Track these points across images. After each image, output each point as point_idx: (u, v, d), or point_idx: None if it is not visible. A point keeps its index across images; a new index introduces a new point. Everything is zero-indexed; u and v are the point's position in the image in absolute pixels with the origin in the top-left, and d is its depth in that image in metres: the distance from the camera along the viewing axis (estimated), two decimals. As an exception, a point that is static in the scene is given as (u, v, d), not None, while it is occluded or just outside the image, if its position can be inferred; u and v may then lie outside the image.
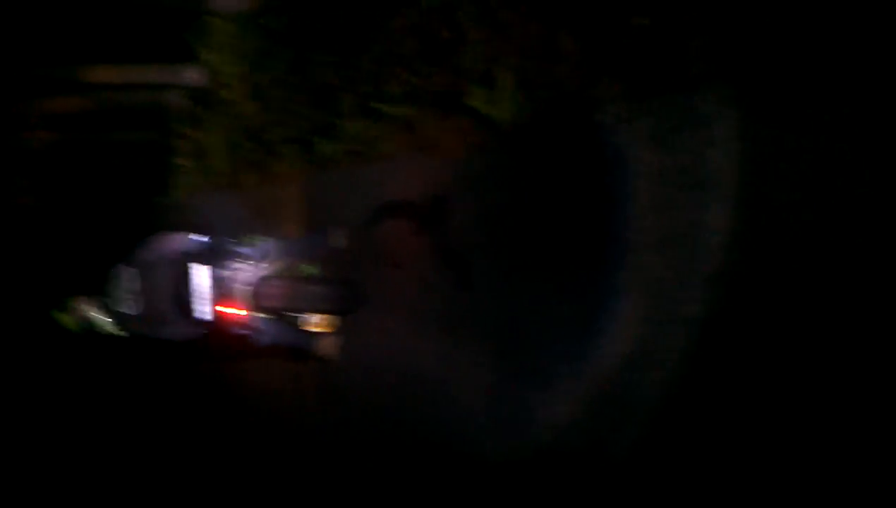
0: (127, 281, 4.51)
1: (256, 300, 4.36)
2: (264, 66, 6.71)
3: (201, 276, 4.28)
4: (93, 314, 4.63)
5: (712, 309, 3.07)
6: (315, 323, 4.53)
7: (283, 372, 6.27)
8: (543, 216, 3.91)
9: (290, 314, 4.53)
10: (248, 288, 4.36)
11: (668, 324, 3.25)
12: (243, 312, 4.34)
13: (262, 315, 4.46)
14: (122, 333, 4.64)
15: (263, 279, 4.42)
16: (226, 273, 4.38)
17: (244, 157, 7.27)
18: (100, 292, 4.64)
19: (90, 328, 4.68)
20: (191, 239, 4.74)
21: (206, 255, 4.49)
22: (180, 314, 4.41)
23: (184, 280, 4.36)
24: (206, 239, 4.75)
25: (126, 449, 7.49)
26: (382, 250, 5.09)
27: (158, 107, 9.19)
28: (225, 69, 7.14)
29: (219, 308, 4.32)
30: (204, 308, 4.28)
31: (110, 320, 4.61)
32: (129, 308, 4.50)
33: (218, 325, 4.36)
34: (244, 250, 4.59)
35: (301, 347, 5.09)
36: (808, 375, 2.77)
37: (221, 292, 4.33)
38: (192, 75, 8.00)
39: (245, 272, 4.42)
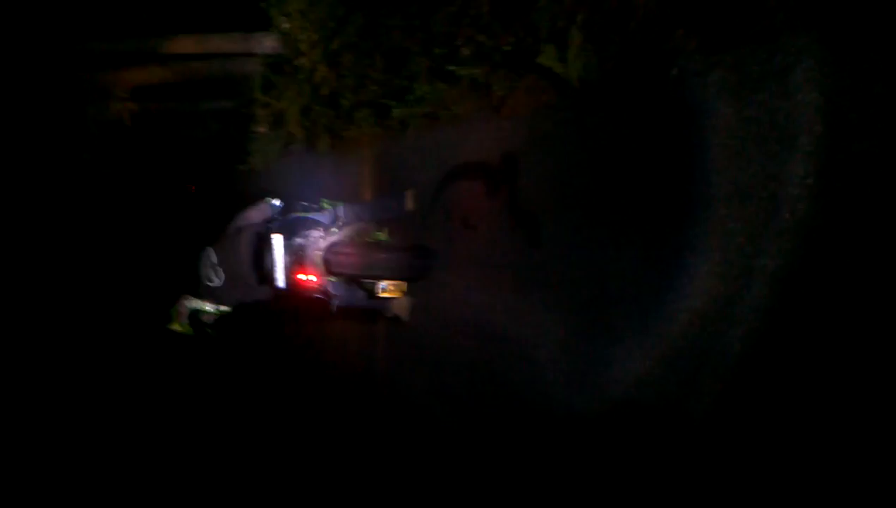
0: (211, 256, 4.67)
1: (328, 266, 4.46)
2: (337, 32, 6.77)
3: (276, 243, 4.39)
4: (193, 304, 4.75)
5: (790, 263, 3.02)
6: (385, 288, 4.63)
7: (359, 333, 6.40)
8: (616, 173, 3.88)
9: (361, 279, 4.64)
10: (321, 253, 4.47)
11: (744, 279, 3.22)
12: (316, 278, 4.46)
13: (334, 279, 4.60)
14: (220, 312, 4.77)
15: (335, 245, 4.54)
16: (299, 239, 4.50)
17: (319, 123, 7.38)
18: (194, 278, 4.79)
19: (196, 319, 4.80)
20: (266, 207, 4.94)
21: (280, 222, 4.65)
22: (258, 280, 4.60)
23: (260, 247, 4.52)
24: (280, 205, 4.89)
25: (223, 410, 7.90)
26: (455, 211, 5.13)
27: (237, 77, 9.35)
28: (300, 36, 7.22)
29: (294, 274, 4.44)
30: (279, 274, 4.40)
31: (211, 302, 4.74)
32: (213, 281, 4.67)
33: (293, 290, 4.47)
34: (318, 216, 4.77)
35: (374, 309, 5.26)
36: (890, 328, 2.71)
37: (296, 258, 4.45)
38: (268, 44, 8.11)
39: (318, 238, 4.54)
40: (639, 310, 3.75)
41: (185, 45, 8.59)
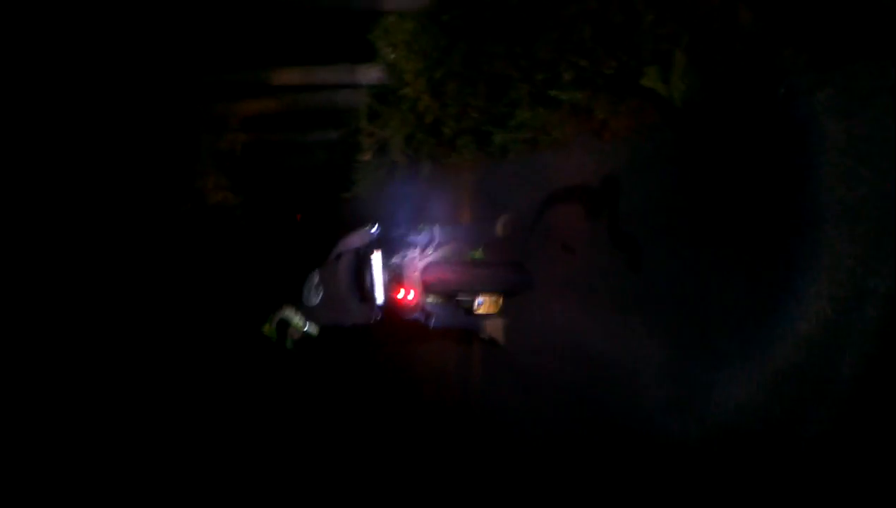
0: (314, 278, 4.83)
1: (425, 283, 4.53)
2: (441, 61, 6.88)
3: (376, 264, 4.49)
4: (290, 316, 4.90)
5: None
6: (482, 303, 4.66)
7: (455, 355, 6.43)
8: (720, 193, 3.82)
9: (457, 296, 4.70)
10: (418, 271, 4.54)
11: (854, 302, 3.11)
12: (414, 295, 4.52)
13: (431, 298, 4.68)
14: (314, 328, 4.90)
15: (432, 263, 4.60)
16: (397, 259, 4.60)
17: (422, 150, 7.49)
18: (297, 296, 4.95)
19: (283, 327, 4.95)
20: (366, 232, 5.01)
21: (380, 245, 4.70)
22: (358, 300, 4.69)
23: (360, 267, 4.63)
24: (379, 230, 5.01)
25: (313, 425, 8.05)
26: (554, 234, 5.12)
27: (343, 108, 9.59)
28: (404, 66, 7.37)
29: (393, 292, 4.52)
30: (379, 291, 4.49)
31: (304, 318, 4.88)
32: (312, 300, 4.81)
33: (392, 309, 4.55)
34: (415, 237, 4.84)
35: (470, 330, 5.28)
36: None
37: (394, 276, 4.55)
38: (373, 75, 8.30)
39: (415, 257, 4.62)
40: (743, 334, 3.66)
41: (292, 76, 8.87)
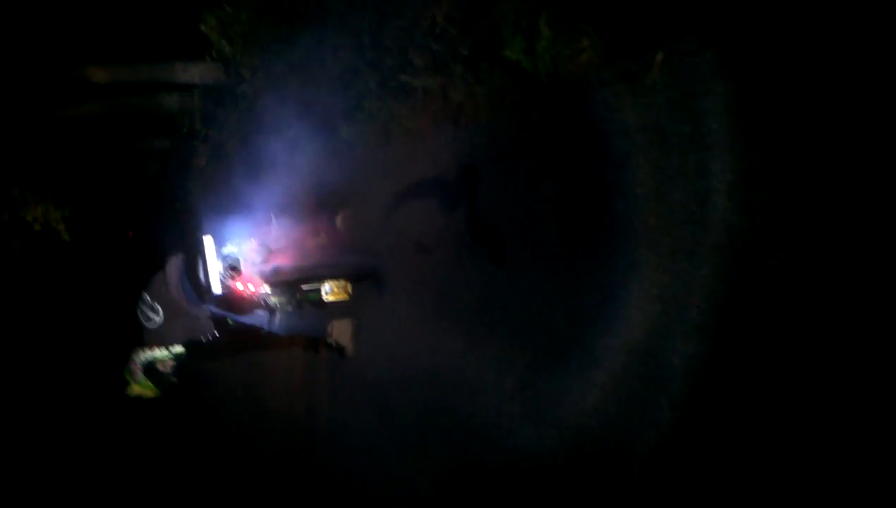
0: (145, 298, 4.14)
1: (266, 273, 4.18)
2: (281, 54, 6.30)
3: (208, 246, 4.04)
4: (144, 357, 4.16)
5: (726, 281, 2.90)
6: (330, 291, 4.29)
7: (300, 365, 5.80)
8: (571, 184, 3.56)
9: (301, 286, 4.29)
10: (258, 262, 4.22)
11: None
12: (254, 286, 4.13)
13: (272, 293, 4.26)
14: (178, 347, 4.19)
15: (272, 251, 4.29)
16: (234, 248, 4.21)
17: (263, 150, 6.86)
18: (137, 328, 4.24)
19: (154, 372, 4.23)
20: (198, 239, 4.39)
21: (214, 243, 4.23)
22: (198, 297, 4.11)
23: (192, 264, 4.13)
24: (209, 232, 4.38)
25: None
26: (407, 232, 4.65)
27: (174, 111, 8.78)
28: (241, 61, 6.73)
29: (231, 284, 4.08)
30: (214, 283, 4.03)
31: (155, 349, 4.17)
32: (153, 319, 4.11)
33: (231, 303, 4.03)
34: (254, 229, 4.44)
35: (315, 336, 4.67)
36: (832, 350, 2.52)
37: (232, 268, 4.13)
38: (207, 73, 7.58)
39: (254, 247, 4.27)
40: (587, 337, 3.47)
41: (118, 74, 7.97)
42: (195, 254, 4.00)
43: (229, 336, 4.42)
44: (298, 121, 6.23)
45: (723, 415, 2.91)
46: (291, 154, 6.27)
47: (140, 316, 4.14)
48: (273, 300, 4.22)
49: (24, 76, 8.19)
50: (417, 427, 4.52)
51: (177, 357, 4.18)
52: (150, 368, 4.17)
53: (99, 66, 7.94)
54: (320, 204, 5.62)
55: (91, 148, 10.06)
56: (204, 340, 4.23)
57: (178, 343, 4.18)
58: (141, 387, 4.15)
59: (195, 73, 7.73)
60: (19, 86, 8.32)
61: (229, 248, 4.11)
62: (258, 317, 4.31)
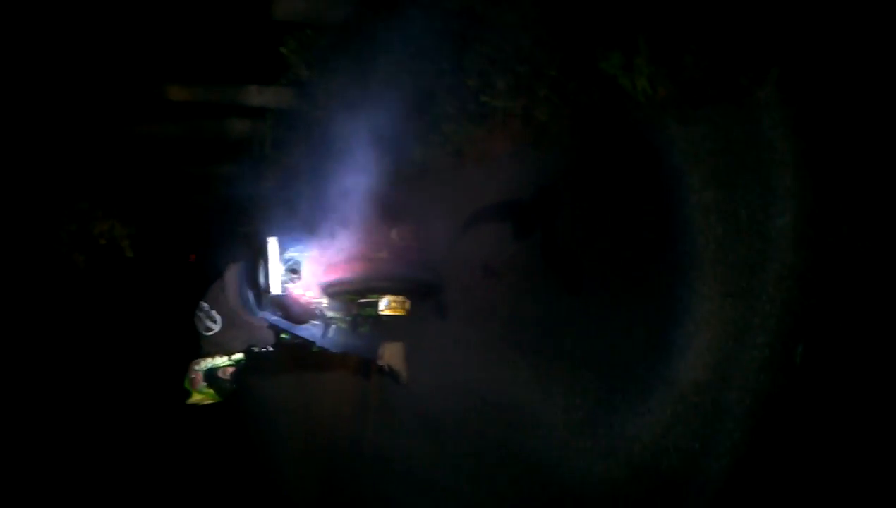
0: (203, 307, 4.07)
1: (325, 281, 3.95)
2: (358, 81, 6.21)
3: (272, 248, 3.88)
4: (204, 365, 4.06)
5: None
6: (388, 305, 4.01)
7: (350, 388, 5.57)
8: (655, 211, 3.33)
9: (359, 300, 4.06)
10: (318, 267, 3.99)
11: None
12: (313, 293, 3.96)
13: (328, 303, 4.06)
14: (235, 361, 4.09)
15: (333, 260, 4.03)
16: (296, 252, 4.04)
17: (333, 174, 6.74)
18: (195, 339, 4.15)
19: (215, 379, 4.10)
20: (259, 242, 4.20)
21: (272, 252, 4.01)
22: (255, 300, 3.96)
23: (253, 270, 3.95)
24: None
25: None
26: (475, 256, 4.43)
27: (246, 137, 8.75)
28: (318, 85, 6.65)
29: (290, 288, 3.92)
30: (274, 280, 3.84)
31: (215, 357, 4.07)
32: (212, 328, 4.03)
33: (287, 306, 3.94)
34: (317, 237, 4.24)
35: (366, 356, 4.50)
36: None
37: (292, 271, 3.97)
38: (282, 97, 7.53)
39: (315, 254, 4.05)
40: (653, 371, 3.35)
41: (194, 93, 7.95)
42: (257, 257, 3.89)
43: (283, 350, 4.32)
44: (370, 147, 6.10)
45: (791, 452, 2.85)
46: (360, 177, 6.13)
47: (198, 326, 4.07)
48: (329, 313, 4.06)
49: (103, 90, 8.24)
50: (473, 457, 4.25)
51: (237, 363, 4.06)
52: (211, 376, 4.05)
53: (176, 84, 7.95)
54: (384, 221, 5.47)
55: (163, 168, 10.07)
56: (257, 351, 4.12)
57: (236, 351, 4.06)
58: (202, 394, 4.07)
59: (269, 96, 7.69)
60: (98, 99, 8.37)
61: (291, 253, 4.00)
62: (312, 330, 4.14)
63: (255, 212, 8.83)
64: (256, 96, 7.77)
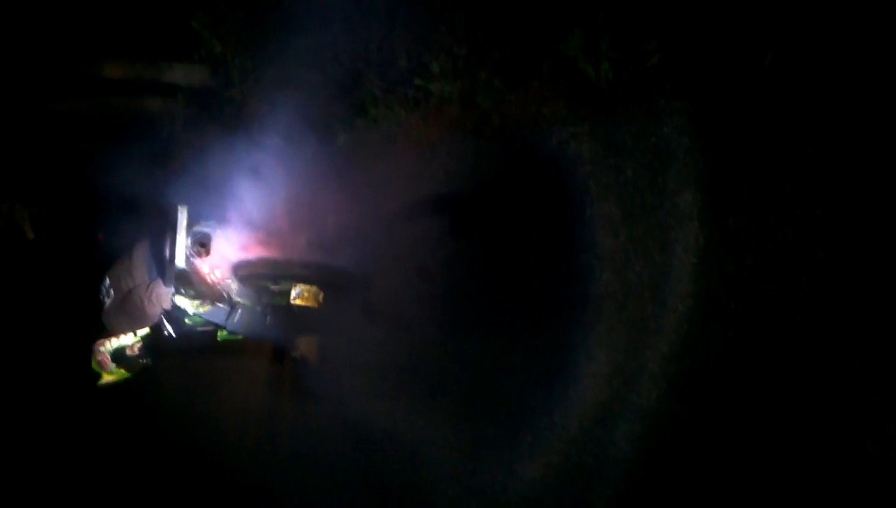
0: (105, 282, 3.84)
1: (237, 263, 3.71)
2: (275, 58, 5.58)
3: (181, 216, 3.63)
4: (110, 345, 3.84)
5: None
6: (300, 294, 3.75)
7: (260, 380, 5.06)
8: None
9: (270, 285, 3.81)
10: (231, 246, 3.74)
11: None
12: (220, 273, 3.69)
13: (237, 285, 3.79)
14: (141, 337, 3.86)
15: (248, 239, 3.80)
16: (208, 227, 3.76)
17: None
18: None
19: (124, 358, 3.89)
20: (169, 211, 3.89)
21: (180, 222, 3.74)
22: (158, 272, 3.71)
23: (160, 240, 3.70)
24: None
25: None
26: (408, 256, 3.94)
27: (156, 113, 7.98)
28: (232, 62, 5.97)
29: (195, 262, 3.62)
30: (179, 252, 3.55)
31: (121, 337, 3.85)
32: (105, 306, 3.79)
33: (191, 281, 3.65)
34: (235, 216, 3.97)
35: (279, 345, 4.35)
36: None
37: (200, 245, 3.66)
38: (194, 75, 6.82)
39: (229, 231, 3.81)
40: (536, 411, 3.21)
41: (113, 70, 7.16)
42: (166, 229, 3.60)
43: (186, 336, 4.00)
44: (289, 129, 5.52)
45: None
46: (279, 161, 5.55)
47: (101, 301, 3.83)
48: (237, 296, 3.77)
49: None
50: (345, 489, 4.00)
51: (143, 338, 3.84)
52: (119, 355, 3.85)
53: (81, 58, 7.17)
54: (303, 207, 4.98)
55: (67, 147, 9.24)
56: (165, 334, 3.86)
57: (122, 332, 3.82)
58: (113, 375, 3.88)
59: (180, 73, 6.96)
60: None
61: (201, 227, 3.71)
62: (218, 313, 3.81)
63: (169, 190, 8.10)
64: (168, 73, 7.03)
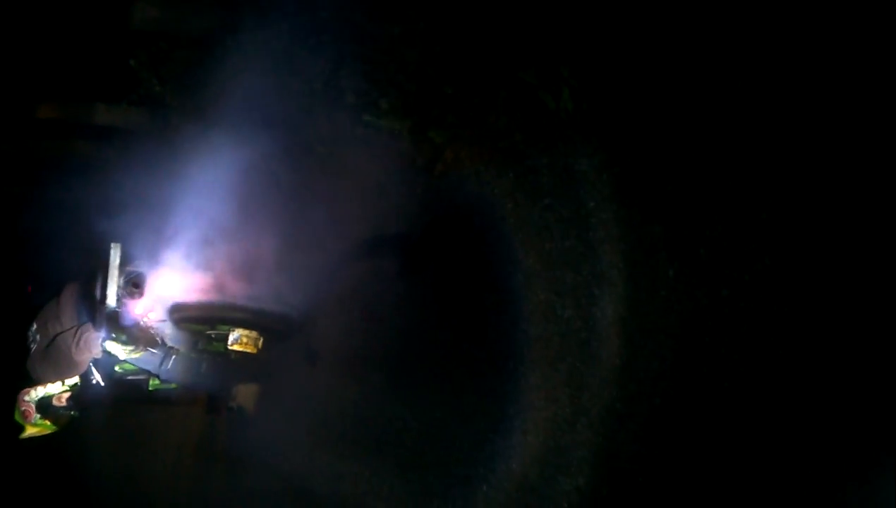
0: (31, 329, 3.62)
1: (172, 306, 3.54)
2: (216, 99, 5.39)
3: (114, 254, 3.43)
4: (35, 395, 3.60)
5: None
6: (238, 339, 3.57)
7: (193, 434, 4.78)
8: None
9: (207, 330, 3.63)
10: (166, 287, 3.54)
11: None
12: (154, 315, 3.50)
13: (172, 329, 3.62)
14: (70, 386, 3.62)
15: (185, 280, 3.60)
16: (142, 266, 3.55)
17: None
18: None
19: (50, 409, 3.64)
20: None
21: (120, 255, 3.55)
22: (88, 314, 3.46)
23: (90, 287, 3.47)
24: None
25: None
26: (356, 299, 3.74)
27: (94, 158, 7.68)
28: (172, 103, 5.75)
29: (128, 305, 3.40)
30: (111, 291, 3.33)
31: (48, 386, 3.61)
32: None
33: (124, 326, 3.43)
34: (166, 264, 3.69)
35: (218, 394, 4.02)
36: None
37: (133, 285, 3.44)
38: (132, 117, 6.57)
39: (165, 272, 3.58)
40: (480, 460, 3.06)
41: (31, 109, 6.87)
42: (97, 269, 3.42)
43: (116, 385, 3.78)
44: (230, 171, 5.29)
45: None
46: (219, 201, 5.32)
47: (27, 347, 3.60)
48: (171, 341, 3.61)
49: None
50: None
51: (71, 388, 3.61)
52: (45, 406, 3.61)
53: (8, 97, 6.85)
54: (243, 248, 4.78)
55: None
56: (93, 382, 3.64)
57: (49, 381, 3.58)
58: (37, 427, 3.64)
59: (117, 115, 6.70)
60: None
61: (135, 267, 3.52)
62: (150, 359, 3.61)
63: (102, 230, 7.78)
64: (104, 115, 6.76)
